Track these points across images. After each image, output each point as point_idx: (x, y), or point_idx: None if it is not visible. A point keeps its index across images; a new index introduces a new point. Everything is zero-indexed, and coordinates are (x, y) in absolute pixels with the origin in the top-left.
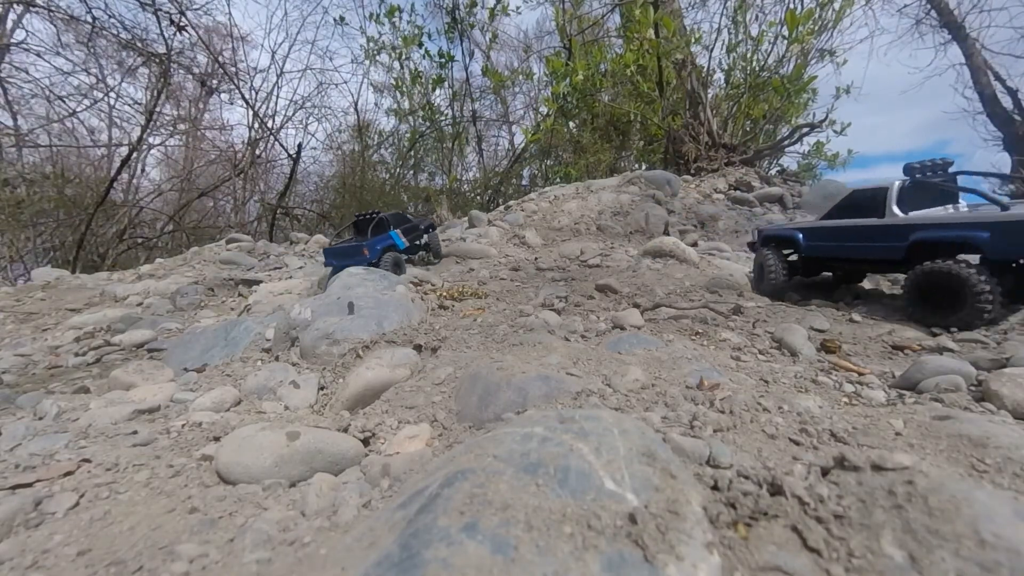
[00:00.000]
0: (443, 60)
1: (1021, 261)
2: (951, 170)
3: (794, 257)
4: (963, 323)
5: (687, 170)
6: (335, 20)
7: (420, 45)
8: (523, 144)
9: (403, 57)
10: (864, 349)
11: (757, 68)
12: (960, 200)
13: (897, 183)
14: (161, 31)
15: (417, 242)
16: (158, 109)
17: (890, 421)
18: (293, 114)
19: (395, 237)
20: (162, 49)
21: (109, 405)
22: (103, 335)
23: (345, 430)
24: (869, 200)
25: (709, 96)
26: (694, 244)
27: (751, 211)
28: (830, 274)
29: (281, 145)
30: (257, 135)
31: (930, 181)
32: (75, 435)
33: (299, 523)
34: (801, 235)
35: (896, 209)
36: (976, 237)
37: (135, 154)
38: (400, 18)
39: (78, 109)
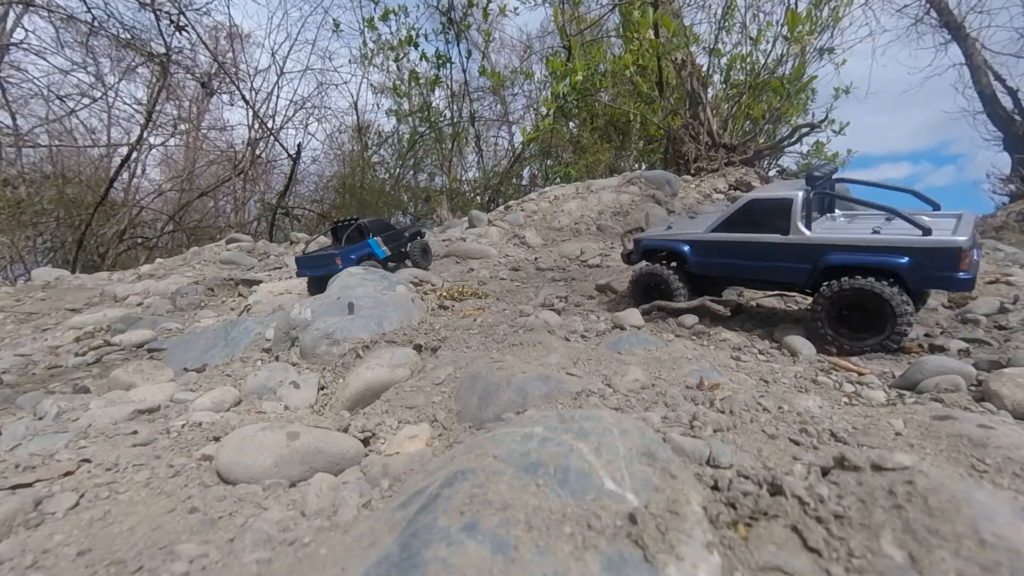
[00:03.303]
0: (440, 61)
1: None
2: (834, 177)
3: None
4: (882, 347)
5: (687, 170)
6: (333, 24)
7: (416, 46)
8: (522, 144)
9: (399, 59)
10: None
11: (756, 68)
12: (835, 209)
13: (801, 195)
14: (160, 31)
15: (403, 250)
16: (158, 109)
17: (890, 421)
18: (293, 114)
19: (374, 245)
20: (162, 49)
21: (109, 405)
22: (103, 335)
23: (345, 430)
24: (771, 213)
25: (709, 96)
26: None
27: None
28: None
29: (281, 145)
30: (257, 135)
31: (834, 194)
32: (75, 435)
33: (299, 523)
34: (688, 248)
35: (802, 226)
36: (894, 263)
37: (135, 154)
38: (396, 20)
39: (77, 108)
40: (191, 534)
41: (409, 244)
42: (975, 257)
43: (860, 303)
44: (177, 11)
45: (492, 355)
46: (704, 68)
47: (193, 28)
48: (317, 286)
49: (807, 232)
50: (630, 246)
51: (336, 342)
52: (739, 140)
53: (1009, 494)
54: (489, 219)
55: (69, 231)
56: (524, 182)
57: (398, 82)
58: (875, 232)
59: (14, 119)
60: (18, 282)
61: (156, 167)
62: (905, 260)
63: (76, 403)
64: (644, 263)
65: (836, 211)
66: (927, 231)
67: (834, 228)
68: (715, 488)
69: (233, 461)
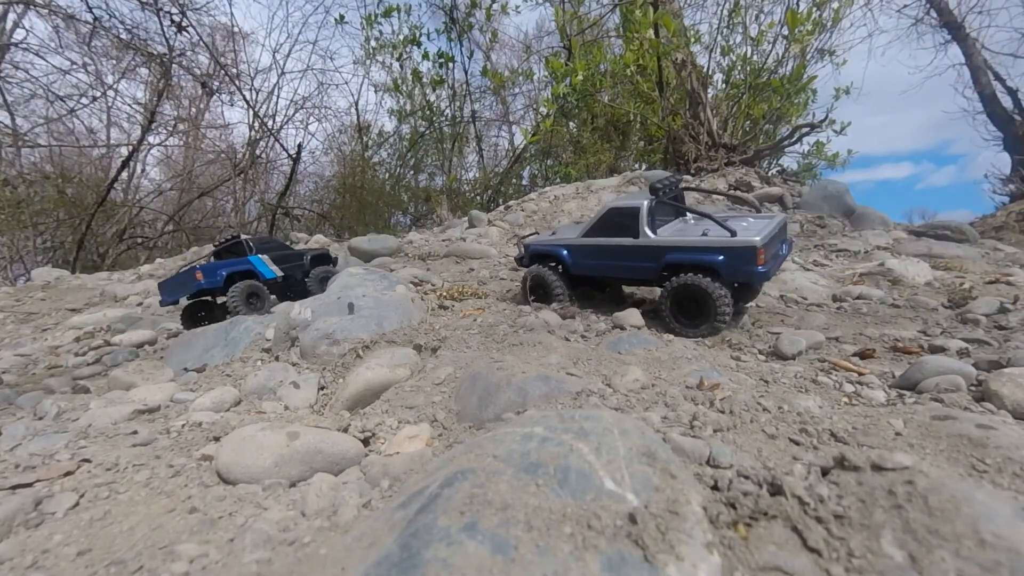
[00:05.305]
0: (442, 60)
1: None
2: (681, 186)
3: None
4: (710, 330)
5: (687, 170)
6: (336, 19)
7: (419, 45)
8: (523, 144)
9: (401, 58)
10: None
11: (757, 68)
12: (687, 214)
13: (646, 203)
14: (162, 31)
15: (300, 273)
16: (159, 109)
17: (890, 421)
18: (294, 114)
19: (257, 263)
20: (163, 49)
21: (109, 405)
22: (103, 335)
23: (345, 430)
24: (625, 219)
25: (709, 96)
26: None
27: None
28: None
29: (281, 145)
30: (257, 135)
31: (670, 202)
32: (75, 435)
33: (299, 523)
34: (566, 252)
35: (648, 230)
36: (713, 260)
37: (135, 154)
38: (398, 18)
39: (76, 108)
40: (191, 534)
41: (312, 270)
42: (783, 253)
43: (691, 294)
44: (179, 11)
45: (492, 355)
46: (704, 68)
47: (194, 28)
48: (191, 319)
49: (651, 235)
50: (522, 250)
51: (336, 342)
52: (739, 140)
53: (1009, 494)
54: (489, 219)
55: (69, 231)
56: (524, 182)
57: (399, 81)
58: (704, 234)
59: (14, 119)
60: (18, 282)
61: (156, 167)
62: (721, 257)
63: (76, 403)
64: (535, 265)
65: (688, 216)
66: (734, 233)
67: (681, 231)
68: (715, 488)
69: (233, 461)
